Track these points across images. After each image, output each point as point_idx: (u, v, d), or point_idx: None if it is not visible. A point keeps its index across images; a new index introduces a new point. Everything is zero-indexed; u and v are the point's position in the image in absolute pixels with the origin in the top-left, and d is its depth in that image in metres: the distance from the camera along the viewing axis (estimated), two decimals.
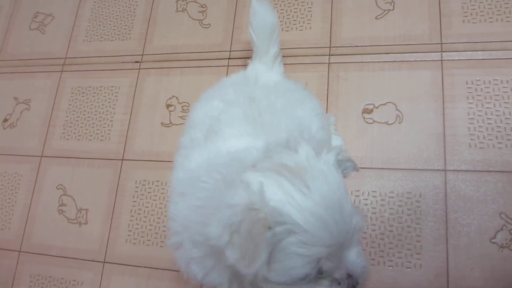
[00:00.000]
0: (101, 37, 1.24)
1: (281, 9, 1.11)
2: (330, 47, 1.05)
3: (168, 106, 1.11)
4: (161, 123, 1.09)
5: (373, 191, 0.91)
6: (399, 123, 0.94)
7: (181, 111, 1.09)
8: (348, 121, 0.97)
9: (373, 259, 0.86)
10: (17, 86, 1.27)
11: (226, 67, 1.10)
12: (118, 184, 1.07)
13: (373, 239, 0.88)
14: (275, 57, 0.84)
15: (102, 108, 1.16)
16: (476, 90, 0.93)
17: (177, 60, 1.15)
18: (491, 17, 0.97)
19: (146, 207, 1.03)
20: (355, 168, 0.56)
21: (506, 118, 0.89)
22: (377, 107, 0.97)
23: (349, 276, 0.50)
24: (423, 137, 0.92)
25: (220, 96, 0.72)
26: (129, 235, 1.02)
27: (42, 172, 1.14)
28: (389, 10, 1.04)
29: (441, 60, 0.96)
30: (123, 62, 1.19)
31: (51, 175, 1.13)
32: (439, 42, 0.98)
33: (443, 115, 0.92)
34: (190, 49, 1.15)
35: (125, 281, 0.98)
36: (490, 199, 0.85)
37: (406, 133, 0.93)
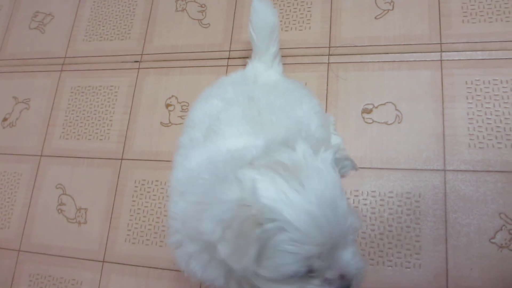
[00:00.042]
0: (101, 37, 1.24)
1: (280, 9, 1.11)
2: (329, 47, 1.05)
3: (167, 105, 1.11)
4: (161, 122, 1.09)
5: (373, 191, 0.91)
6: (399, 123, 0.94)
7: (181, 111, 1.09)
8: (348, 121, 0.97)
9: (373, 259, 0.86)
10: (16, 86, 1.27)
11: (226, 66, 1.10)
12: (117, 184, 1.07)
13: (372, 239, 0.88)
14: (274, 56, 0.84)
15: (101, 108, 1.16)
16: (475, 90, 0.93)
17: (177, 60, 1.15)
18: (491, 17, 0.97)
19: (145, 206, 1.03)
20: (354, 167, 0.55)
21: (506, 118, 0.89)
22: (376, 107, 0.97)
23: (342, 276, 0.49)
24: (423, 137, 0.92)
25: (219, 95, 0.72)
26: (128, 235, 1.02)
27: (42, 172, 1.14)
28: (388, 10, 1.04)
29: (441, 60, 0.96)
30: (122, 62, 1.19)
31: (50, 175, 1.13)
32: (439, 42, 0.98)
33: (443, 115, 0.92)
34: (190, 48, 1.15)
35: (125, 281, 0.98)
36: (489, 199, 0.85)
37: (406, 133, 0.93)
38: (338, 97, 1.00)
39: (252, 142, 0.59)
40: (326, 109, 0.99)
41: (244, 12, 1.13)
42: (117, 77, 1.18)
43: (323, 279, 0.49)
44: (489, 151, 0.88)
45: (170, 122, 1.09)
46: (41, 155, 1.16)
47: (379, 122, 0.96)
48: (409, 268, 0.85)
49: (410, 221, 0.87)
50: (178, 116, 1.09)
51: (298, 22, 1.09)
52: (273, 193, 0.45)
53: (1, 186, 1.16)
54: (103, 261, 1.01)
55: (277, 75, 0.83)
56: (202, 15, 1.18)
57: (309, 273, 0.48)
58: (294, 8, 1.11)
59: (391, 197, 0.90)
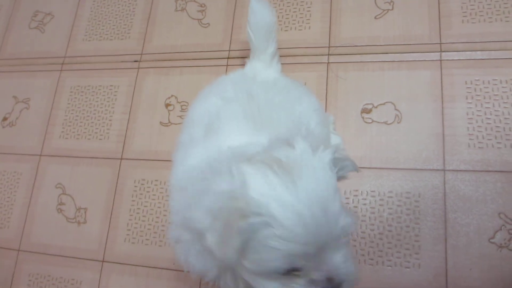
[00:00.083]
0: (101, 36, 1.24)
1: (280, 9, 1.11)
2: (329, 47, 1.05)
3: (167, 105, 1.11)
4: (160, 122, 1.09)
5: (372, 191, 0.91)
6: (398, 123, 0.94)
7: (180, 111, 1.09)
8: (347, 121, 0.97)
9: (372, 259, 0.86)
10: (16, 85, 1.27)
11: (225, 66, 1.10)
12: (117, 184, 1.07)
13: (372, 238, 0.88)
14: (272, 55, 0.85)
15: (101, 107, 1.16)
16: (475, 90, 0.93)
17: (176, 60, 1.15)
18: (491, 17, 0.97)
19: (145, 206, 1.03)
20: (355, 168, 0.54)
21: (505, 118, 0.89)
22: (376, 107, 0.97)
23: (330, 279, 0.48)
24: (422, 137, 0.92)
25: (218, 93, 0.72)
26: (128, 234, 1.02)
27: (41, 171, 1.14)
28: (388, 10, 1.04)
29: (440, 60, 0.96)
30: (122, 62, 1.19)
31: (50, 174, 1.13)
32: (439, 42, 0.98)
33: (442, 115, 0.92)
34: (189, 48, 1.15)
35: (124, 280, 0.98)
36: (489, 199, 0.85)
37: (405, 133, 0.93)
38: (338, 97, 1.00)
39: (254, 139, 0.59)
40: (325, 109, 0.99)
41: (244, 12, 1.13)
42: (117, 77, 1.18)
43: (309, 279, 0.48)
44: (488, 151, 0.88)
45: (169, 122, 1.09)
46: (40, 155, 1.16)
47: (378, 122, 0.96)
48: (408, 268, 0.85)
49: (409, 221, 0.87)
50: (178, 116, 1.09)
51: (298, 22, 1.09)
52: (263, 188, 0.45)
53: (1, 186, 1.16)
54: (103, 261, 1.01)
55: (276, 74, 0.84)
56: (202, 14, 1.18)
57: (294, 271, 0.47)
58: (294, 8, 1.11)
59: (391, 197, 0.90)
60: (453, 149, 0.90)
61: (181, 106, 1.10)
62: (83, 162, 1.12)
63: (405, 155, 0.91)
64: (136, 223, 1.02)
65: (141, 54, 1.18)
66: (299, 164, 0.47)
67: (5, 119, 1.24)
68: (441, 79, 0.95)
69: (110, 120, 1.14)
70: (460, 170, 0.88)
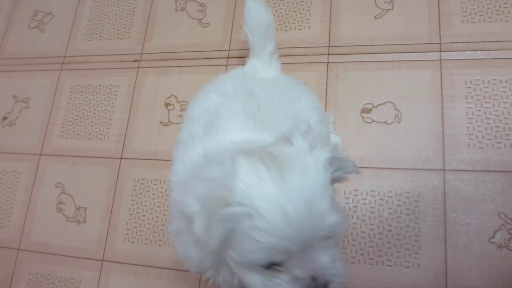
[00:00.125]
0: (100, 36, 1.24)
1: (280, 9, 1.11)
2: (329, 47, 1.05)
3: (167, 105, 1.11)
4: (160, 122, 1.09)
5: (372, 191, 0.91)
6: (398, 122, 0.94)
7: (180, 110, 1.09)
8: (347, 121, 0.97)
9: (372, 259, 0.86)
10: (16, 85, 1.27)
11: (225, 66, 1.10)
12: (116, 183, 1.07)
13: (371, 238, 0.88)
14: (272, 54, 0.85)
15: (101, 107, 1.16)
16: (475, 90, 0.93)
17: (176, 59, 1.15)
18: (490, 17, 0.97)
19: (144, 205, 1.03)
20: (355, 170, 0.53)
21: (505, 118, 0.89)
22: (376, 107, 0.97)
23: (315, 279, 0.47)
24: (422, 136, 0.92)
25: (218, 90, 0.72)
26: (127, 234, 1.02)
27: (41, 170, 1.14)
28: (388, 9, 1.04)
29: (440, 60, 0.96)
30: (122, 61, 1.19)
31: (50, 173, 1.13)
32: (438, 42, 0.98)
33: (442, 114, 0.92)
34: (189, 48, 1.15)
35: (124, 280, 0.98)
36: (489, 198, 0.85)
37: (405, 133, 0.93)
38: (338, 96, 1.00)
39: (256, 137, 0.59)
40: (325, 109, 0.99)
41: (244, 12, 1.13)
42: (117, 76, 1.18)
43: (292, 276, 0.47)
44: (488, 150, 0.88)
45: (169, 121, 1.09)
46: (40, 154, 1.16)
47: (378, 122, 0.96)
48: (408, 267, 0.85)
49: (409, 220, 0.87)
50: (178, 116, 1.09)
51: (298, 22, 1.09)
52: (251, 179, 0.46)
53: (1, 185, 1.16)
54: (102, 260, 1.01)
55: (275, 72, 0.84)
56: (202, 14, 1.18)
57: (275, 266, 0.47)
58: (294, 8, 1.11)
59: (391, 196, 0.90)
60: (453, 149, 0.90)
61: (181, 105, 1.10)
62: (83, 162, 1.12)
63: (405, 155, 0.91)
64: (135, 222, 1.02)
65: (141, 53, 1.18)
66: (291, 160, 0.47)
67: (5, 118, 1.24)
68: (441, 79, 0.95)
69: (110, 119, 1.14)
70: (460, 170, 0.88)
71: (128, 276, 0.98)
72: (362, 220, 0.89)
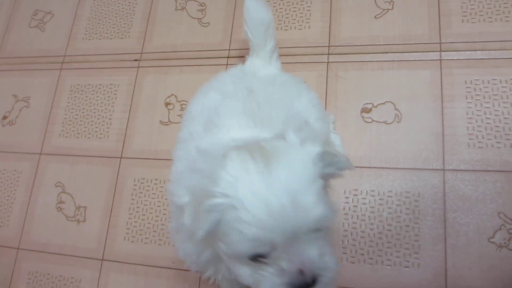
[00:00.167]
0: (101, 35, 1.24)
1: (280, 8, 1.11)
2: (329, 46, 1.05)
3: (167, 104, 1.11)
4: (160, 121, 1.09)
5: (372, 191, 0.91)
6: (398, 122, 0.94)
7: (180, 110, 1.09)
8: (347, 121, 0.97)
9: (372, 258, 0.86)
10: (16, 84, 1.27)
11: (225, 65, 1.10)
12: (116, 182, 1.07)
13: (371, 238, 0.88)
14: (271, 52, 0.85)
15: (101, 106, 1.16)
16: (475, 89, 0.93)
17: (176, 59, 1.15)
18: (490, 17, 0.97)
19: (144, 205, 1.03)
20: (348, 165, 0.52)
21: (505, 118, 0.89)
22: (376, 107, 0.97)
23: (302, 272, 0.46)
24: (422, 136, 0.92)
25: (218, 88, 0.72)
26: (127, 233, 1.02)
27: (41, 170, 1.14)
28: (388, 9, 1.04)
29: (440, 60, 0.96)
30: (122, 61, 1.19)
31: (50, 173, 1.13)
32: (438, 42, 0.98)
33: (442, 114, 0.92)
34: (189, 47, 1.15)
35: (123, 279, 0.98)
36: (488, 198, 0.85)
37: (405, 133, 0.93)
38: (338, 96, 1.00)
39: (256, 134, 0.59)
40: (325, 109, 0.99)
41: (243, 11, 1.13)
42: (117, 76, 1.18)
43: (278, 269, 0.47)
44: (488, 150, 0.88)
45: (169, 121, 1.09)
46: (40, 153, 1.16)
47: (378, 122, 0.96)
48: (408, 267, 0.85)
49: (409, 220, 0.87)
50: (178, 115, 1.09)
51: (298, 21, 1.09)
52: (237, 171, 0.46)
53: (1, 184, 1.16)
54: (102, 259, 1.01)
55: (275, 70, 0.84)
56: (202, 14, 1.18)
57: (260, 258, 0.47)
58: (294, 7, 1.11)
59: (390, 196, 0.90)
60: (453, 148, 0.90)
61: (181, 105, 1.10)
62: (83, 161, 1.12)
63: (404, 155, 0.91)
64: (135, 221, 1.02)
65: (141, 53, 1.18)
66: (280, 153, 0.47)
67: (5, 117, 1.24)
68: (441, 78, 0.95)
69: (110, 119, 1.14)
70: (460, 170, 0.88)
71: (128, 275, 0.98)
72: (362, 220, 0.89)
